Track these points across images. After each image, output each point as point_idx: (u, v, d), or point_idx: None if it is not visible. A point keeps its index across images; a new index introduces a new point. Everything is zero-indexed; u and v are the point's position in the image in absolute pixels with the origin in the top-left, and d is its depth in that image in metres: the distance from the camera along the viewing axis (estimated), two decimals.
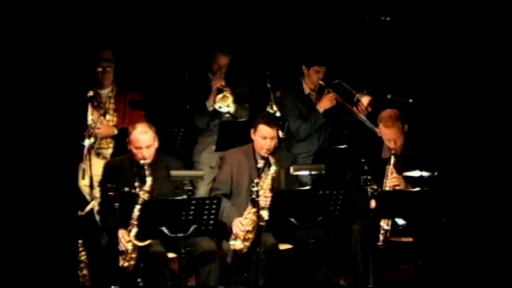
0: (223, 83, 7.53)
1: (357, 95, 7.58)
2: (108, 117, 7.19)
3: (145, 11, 7.82)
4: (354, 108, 7.58)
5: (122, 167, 6.42)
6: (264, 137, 6.60)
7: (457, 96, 6.35)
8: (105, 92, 7.27)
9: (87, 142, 6.84)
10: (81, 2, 5.39)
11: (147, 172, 6.19)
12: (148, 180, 6.18)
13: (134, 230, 6.08)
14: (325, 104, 7.69)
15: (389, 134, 6.77)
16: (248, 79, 7.84)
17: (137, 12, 7.78)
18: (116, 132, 7.14)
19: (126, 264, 6.13)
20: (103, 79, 7.21)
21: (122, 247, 6.13)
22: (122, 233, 6.15)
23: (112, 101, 7.25)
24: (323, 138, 7.81)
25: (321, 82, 7.74)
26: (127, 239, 6.12)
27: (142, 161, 6.24)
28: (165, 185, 6.34)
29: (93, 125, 7.00)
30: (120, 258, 6.12)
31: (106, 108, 7.23)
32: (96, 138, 7.05)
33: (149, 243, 6.15)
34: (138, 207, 6.11)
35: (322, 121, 7.70)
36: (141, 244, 6.10)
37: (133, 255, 6.13)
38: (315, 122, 7.69)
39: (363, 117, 7.52)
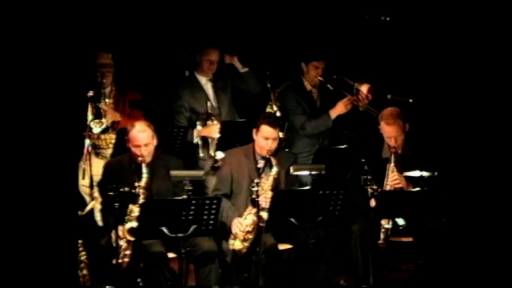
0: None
1: (355, 84, 7.58)
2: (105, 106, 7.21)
3: (144, 10, 7.82)
4: (355, 97, 7.58)
5: (122, 166, 6.43)
6: (266, 137, 6.60)
7: (457, 96, 6.35)
8: (105, 92, 7.27)
9: (87, 142, 6.85)
10: (81, 2, 5.39)
11: (144, 169, 6.20)
12: (144, 177, 6.18)
13: (128, 225, 6.08)
14: (339, 109, 7.64)
15: (390, 132, 6.77)
16: (230, 83, 7.81)
17: (136, 12, 7.78)
18: (119, 118, 7.15)
19: (119, 261, 6.12)
20: (102, 82, 7.21)
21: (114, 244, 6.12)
22: (119, 229, 6.14)
23: (111, 100, 7.25)
24: (323, 138, 7.82)
25: (320, 78, 7.74)
26: (120, 235, 6.11)
27: (140, 159, 6.25)
28: (165, 183, 6.35)
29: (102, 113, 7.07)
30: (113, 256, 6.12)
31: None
32: (106, 129, 7.09)
33: (149, 243, 6.15)
34: (133, 203, 6.13)
35: (329, 126, 7.69)
36: (132, 239, 6.09)
37: (127, 252, 6.13)
38: (323, 124, 7.67)
39: (365, 106, 7.53)
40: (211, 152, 7.36)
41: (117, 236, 6.11)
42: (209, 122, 7.41)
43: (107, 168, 6.52)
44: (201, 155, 7.43)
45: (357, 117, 7.64)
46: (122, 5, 7.60)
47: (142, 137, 6.33)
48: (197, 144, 7.45)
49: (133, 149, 6.33)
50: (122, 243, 6.12)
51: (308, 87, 7.87)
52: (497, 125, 6.12)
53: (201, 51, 7.63)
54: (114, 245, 6.11)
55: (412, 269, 6.51)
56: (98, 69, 7.18)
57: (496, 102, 6.14)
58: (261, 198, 6.31)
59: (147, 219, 5.87)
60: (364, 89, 7.55)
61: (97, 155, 7.18)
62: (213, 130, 7.40)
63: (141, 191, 6.19)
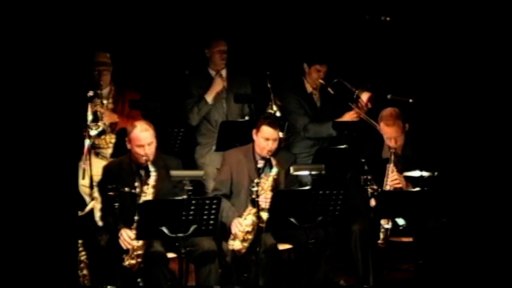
0: (225, 83, 7.62)
1: (357, 91, 7.57)
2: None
3: (143, 10, 7.82)
4: (354, 104, 7.58)
5: (122, 168, 6.41)
6: (267, 138, 6.59)
7: (457, 96, 6.35)
8: (104, 92, 7.27)
9: (87, 142, 6.84)
10: (80, 2, 5.39)
11: (151, 168, 6.19)
12: (153, 175, 6.17)
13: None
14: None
15: (390, 133, 6.77)
16: (249, 80, 7.86)
17: (136, 12, 7.78)
18: (117, 119, 7.16)
19: (132, 262, 6.10)
20: (100, 81, 7.21)
21: (127, 246, 6.10)
22: (125, 231, 6.13)
23: (110, 100, 7.25)
24: (323, 139, 7.81)
25: (321, 81, 7.74)
26: (132, 236, 6.10)
27: (144, 158, 6.24)
28: (165, 184, 6.34)
29: (99, 115, 7.08)
30: (125, 258, 6.11)
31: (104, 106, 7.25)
32: (103, 132, 7.08)
33: (149, 243, 6.15)
34: (134, 204, 6.13)
35: (332, 135, 7.69)
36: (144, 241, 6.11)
37: (139, 252, 6.11)
38: (326, 131, 7.68)
39: (363, 114, 7.52)
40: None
41: (120, 238, 6.10)
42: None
43: (106, 170, 6.50)
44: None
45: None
46: (122, 5, 7.60)
47: (145, 136, 6.31)
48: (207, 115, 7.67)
49: (137, 149, 6.30)
50: (135, 243, 6.09)
51: (309, 89, 7.87)
52: (497, 125, 6.12)
53: (210, 45, 7.72)
54: (125, 247, 6.10)
55: (412, 269, 6.51)
56: (95, 68, 7.18)
57: (496, 102, 6.14)
58: (260, 198, 6.31)
59: (147, 220, 5.87)
60: (364, 97, 7.54)
61: (97, 155, 7.18)
62: (219, 82, 7.67)
63: (151, 190, 6.17)
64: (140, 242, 6.10)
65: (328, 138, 7.80)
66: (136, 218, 6.05)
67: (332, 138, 7.82)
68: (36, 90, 5.16)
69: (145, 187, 6.19)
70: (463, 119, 6.26)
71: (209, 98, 7.66)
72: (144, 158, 6.25)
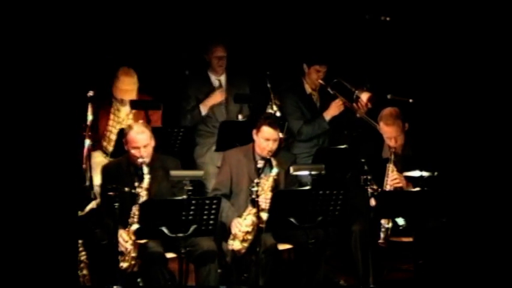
0: (223, 98, 7.66)
1: (356, 91, 7.57)
2: None
3: (143, 10, 7.82)
4: (355, 105, 7.58)
5: (120, 168, 6.42)
6: (267, 138, 6.58)
7: (457, 96, 6.35)
8: (125, 108, 7.28)
9: (87, 142, 6.84)
10: (82, 2, 5.40)
11: (145, 170, 6.20)
12: (146, 178, 6.18)
13: (133, 227, 6.08)
14: (333, 111, 7.66)
15: (389, 132, 6.77)
16: (248, 80, 7.86)
17: (136, 12, 7.78)
18: None
19: (126, 264, 6.13)
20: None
21: (121, 247, 6.12)
22: (120, 233, 6.14)
23: (130, 116, 7.26)
24: (323, 138, 7.81)
25: (321, 81, 7.74)
26: (126, 238, 6.12)
27: (140, 160, 6.25)
28: (163, 184, 6.35)
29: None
30: (120, 259, 6.12)
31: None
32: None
33: (147, 243, 6.15)
34: (136, 205, 6.12)
35: (326, 128, 7.69)
36: (140, 242, 6.09)
37: (133, 255, 6.13)
38: (319, 127, 7.68)
39: (363, 114, 7.51)
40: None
41: (117, 240, 6.10)
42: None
43: (105, 171, 6.51)
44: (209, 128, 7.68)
45: (355, 117, 7.63)
46: (122, 5, 7.60)
47: (141, 138, 6.32)
48: (207, 117, 7.69)
49: (133, 151, 6.32)
50: (128, 246, 6.11)
51: (308, 89, 7.86)
52: (497, 125, 6.12)
53: (208, 50, 7.72)
54: (120, 249, 6.10)
55: (412, 269, 6.51)
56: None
57: (496, 102, 6.14)
58: (260, 198, 6.30)
59: (147, 219, 5.87)
60: (364, 97, 7.53)
61: (100, 148, 7.20)
62: (218, 95, 7.67)
63: (144, 192, 6.18)
64: (131, 245, 6.10)
65: (328, 137, 7.80)
66: (130, 219, 6.07)
67: (332, 138, 7.82)
68: (37, 91, 5.16)
69: (138, 189, 6.19)
70: (463, 119, 6.26)
71: (204, 109, 7.67)
72: (139, 160, 6.25)
